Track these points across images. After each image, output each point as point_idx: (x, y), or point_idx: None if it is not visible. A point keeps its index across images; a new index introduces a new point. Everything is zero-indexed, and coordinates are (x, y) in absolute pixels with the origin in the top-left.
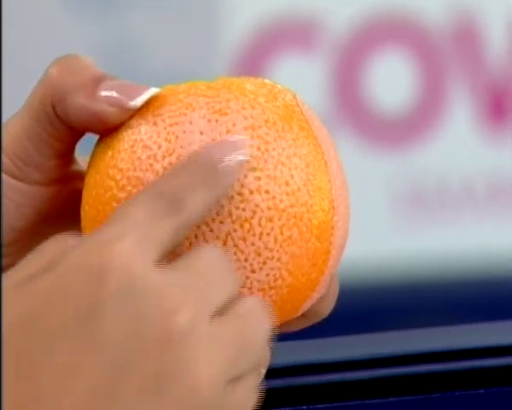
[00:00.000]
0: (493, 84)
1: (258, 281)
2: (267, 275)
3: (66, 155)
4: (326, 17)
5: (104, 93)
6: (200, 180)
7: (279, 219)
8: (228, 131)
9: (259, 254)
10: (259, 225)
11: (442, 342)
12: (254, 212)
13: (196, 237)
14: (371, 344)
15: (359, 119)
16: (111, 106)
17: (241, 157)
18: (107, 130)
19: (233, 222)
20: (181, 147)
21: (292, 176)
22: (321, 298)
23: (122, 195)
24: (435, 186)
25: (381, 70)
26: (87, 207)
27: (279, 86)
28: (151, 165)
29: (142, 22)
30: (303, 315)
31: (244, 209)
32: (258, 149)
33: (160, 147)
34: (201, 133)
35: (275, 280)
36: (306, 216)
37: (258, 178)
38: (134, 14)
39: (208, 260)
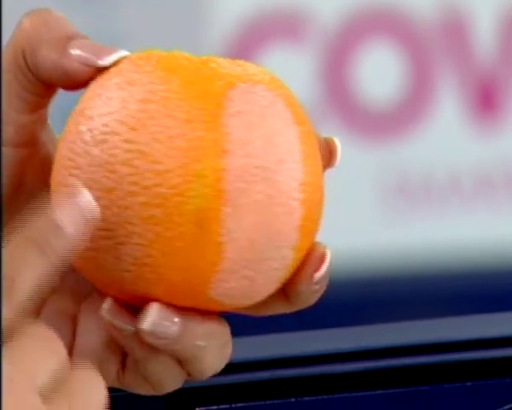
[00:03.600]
0: (481, 77)
1: (128, 255)
2: (134, 250)
3: (39, 113)
4: (315, 8)
5: (74, 50)
6: (31, 252)
7: (142, 196)
8: (123, 101)
9: (123, 227)
10: (122, 197)
11: (429, 334)
12: (119, 183)
13: None
14: (359, 337)
15: (347, 111)
16: (80, 63)
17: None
18: (75, 87)
19: (100, 190)
20: (88, 108)
21: (166, 156)
22: (307, 285)
23: (69, 163)
24: (423, 178)
25: (369, 62)
26: (51, 176)
27: (250, 70)
28: (75, 124)
29: (130, 14)
30: (288, 299)
31: (110, 180)
32: (141, 122)
33: (78, 106)
34: (108, 98)
35: (145, 257)
36: (176, 199)
37: (129, 151)
38: (121, 5)
39: (29, 337)
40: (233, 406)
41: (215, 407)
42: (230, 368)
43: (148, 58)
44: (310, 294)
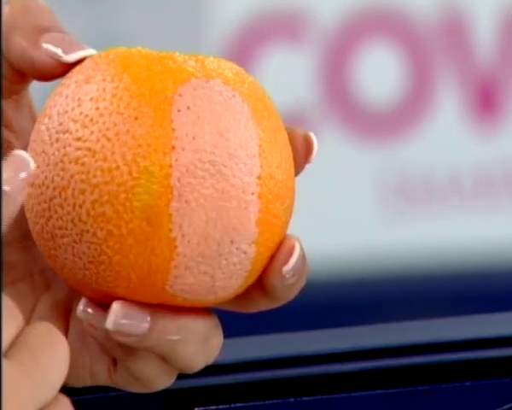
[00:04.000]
0: (481, 77)
1: (83, 253)
2: (88, 248)
3: (12, 98)
4: (314, 9)
5: (45, 43)
6: None
7: (91, 194)
8: (78, 99)
9: (75, 225)
10: (73, 196)
11: (429, 334)
12: (69, 182)
13: (31, 196)
14: (359, 336)
15: (347, 111)
16: (48, 57)
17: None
18: (44, 78)
19: (54, 189)
20: (49, 107)
21: (113, 153)
22: (279, 279)
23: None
24: (423, 178)
25: (368, 62)
26: None
27: (209, 65)
28: (37, 123)
29: (130, 15)
30: (266, 294)
31: (62, 178)
32: (91, 120)
33: (45, 103)
34: (66, 97)
35: (98, 255)
36: (124, 196)
37: (79, 149)
38: (122, 6)
39: None
40: (232, 406)
41: (214, 407)
42: (229, 368)
43: (106, 56)
44: (285, 288)
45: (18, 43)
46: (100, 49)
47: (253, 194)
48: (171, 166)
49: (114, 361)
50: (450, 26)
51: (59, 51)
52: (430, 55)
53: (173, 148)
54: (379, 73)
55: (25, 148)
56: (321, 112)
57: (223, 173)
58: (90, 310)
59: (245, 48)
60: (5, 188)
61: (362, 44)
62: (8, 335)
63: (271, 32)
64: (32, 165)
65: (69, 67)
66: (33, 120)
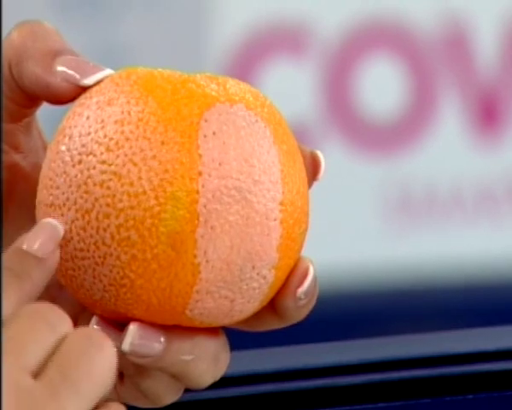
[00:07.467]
0: (483, 91)
1: (105, 275)
2: (110, 271)
3: (23, 121)
4: (316, 23)
5: (60, 67)
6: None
7: (116, 218)
8: (101, 121)
9: (98, 248)
10: (97, 219)
11: (430, 347)
12: (93, 205)
13: (49, 216)
14: (361, 350)
15: (349, 125)
16: (64, 81)
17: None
18: (59, 102)
19: (76, 211)
20: (69, 127)
21: (140, 178)
22: (293, 301)
23: (50, 182)
24: (425, 192)
25: (370, 76)
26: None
27: (231, 89)
28: (56, 143)
29: (133, 26)
30: (277, 315)
31: (86, 200)
32: (116, 144)
33: (61, 124)
34: (88, 118)
35: (121, 278)
36: (150, 221)
37: (104, 172)
38: (124, 18)
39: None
40: None
41: None
42: (233, 381)
43: (128, 77)
44: (297, 309)
45: (32, 70)
46: (101, 63)
47: (275, 220)
48: (197, 192)
49: (121, 376)
50: (451, 40)
51: (76, 75)
52: (432, 68)
53: (200, 174)
54: (381, 87)
55: (32, 167)
56: (322, 125)
57: (248, 200)
58: (102, 329)
59: (247, 61)
60: (38, 254)
61: (364, 58)
62: (40, 346)
63: (273, 46)
64: (62, 233)
65: (85, 88)
66: (41, 138)
